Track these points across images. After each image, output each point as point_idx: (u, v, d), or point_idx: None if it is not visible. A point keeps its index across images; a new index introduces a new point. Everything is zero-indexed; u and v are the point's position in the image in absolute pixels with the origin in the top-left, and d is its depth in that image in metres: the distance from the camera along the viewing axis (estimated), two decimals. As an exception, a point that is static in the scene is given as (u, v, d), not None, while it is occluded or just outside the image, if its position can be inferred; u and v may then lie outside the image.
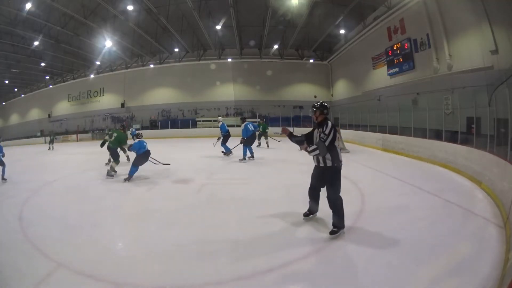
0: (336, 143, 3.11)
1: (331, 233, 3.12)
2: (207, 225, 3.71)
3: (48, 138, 17.60)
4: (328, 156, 3.08)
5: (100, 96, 26.87)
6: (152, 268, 2.66)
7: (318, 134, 3.14)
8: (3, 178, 6.85)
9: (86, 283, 2.42)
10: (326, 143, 3.01)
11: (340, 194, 3.25)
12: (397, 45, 13.52)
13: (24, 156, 13.46)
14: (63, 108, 28.77)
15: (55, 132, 21.85)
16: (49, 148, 16.29)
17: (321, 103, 3.28)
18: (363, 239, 3.15)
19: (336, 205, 3.16)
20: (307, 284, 2.44)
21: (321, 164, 3.18)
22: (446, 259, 2.70)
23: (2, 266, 2.69)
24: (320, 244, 3.03)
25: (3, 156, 6.95)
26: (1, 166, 6.86)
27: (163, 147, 13.95)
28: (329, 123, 3.11)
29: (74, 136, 24.35)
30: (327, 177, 3.19)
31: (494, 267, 2.46)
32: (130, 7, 14.77)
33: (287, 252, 2.88)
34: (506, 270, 2.29)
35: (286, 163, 8.46)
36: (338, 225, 3.15)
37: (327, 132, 3.04)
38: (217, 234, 3.42)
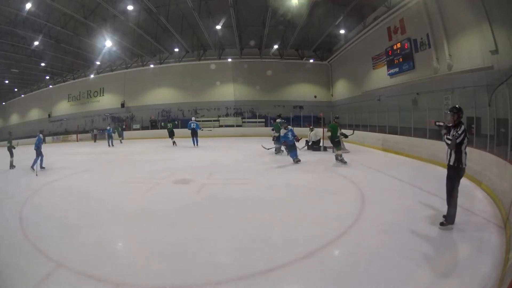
0: (463, 148, 3.42)
1: (440, 224, 3.40)
2: (207, 225, 3.71)
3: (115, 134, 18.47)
4: (453, 156, 3.43)
5: (100, 96, 26.85)
6: (152, 268, 2.66)
7: (453, 133, 3.52)
8: (41, 167, 8.45)
9: (86, 283, 2.42)
10: (457, 141, 3.40)
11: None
12: (397, 45, 13.51)
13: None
14: (63, 108, 28.76)
15: (118, 124, 22.07)
16: (121, 142, 17.98)
17: (459, 107, 3.65)
18: (363, 239, 3.15)
19: (449, 201, 3.41)
20: (306, 284, 2.44)
21: (448, 163, 3.52)
22: (446, 259, 2.70)
23: (2, 266, 2.69)
24: (320, 244, 3.03)
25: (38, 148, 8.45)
26: (39, 156, 8.36)
27: (163, 147, 13.95)
28: (463, 126, 3.48)
29: (74, 136, 24.34)
30: (448, 174, 3.50)
31: (494, 267, 2.46)
32: (130, 7, 14.75)
33: (287, 252, 2.88)
34: (506, 270, 2.29)
35: (287, 163, 8.46)
36: (446, 219, 3.39)
37: (460, 132, 3.42)
38: (217, 234, 3.42)
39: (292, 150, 8.23)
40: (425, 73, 11.99)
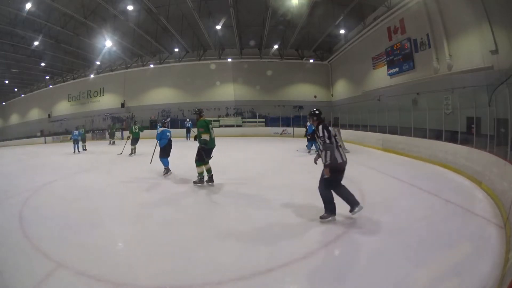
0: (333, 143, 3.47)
1: (320, 217, 3.63)
2: (207, 225, 3.71)
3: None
4: (328, 156, 3.44)
5: (100, 96, 26.85)
6: (152, 268, 2.66)
7: (318, 140, 3.61)
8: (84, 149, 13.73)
9: (86, 283, 2.42)
10: (327, 141, 3.44)
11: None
12: (397, 45, 13.51)
13: (44, 154, 13.48)
14: (63, 108, 28.76)
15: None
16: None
17: (312, 111, 3.80)
18: (363, 239, 3.15)
19: (322, 197, 3.63)
20: (307, 284, 2.44)
21: (325, 162, 3.50)
22: (446, 259, 2.70)
23: (2, 266, 2.69)
24: (320, 244, 3.03)
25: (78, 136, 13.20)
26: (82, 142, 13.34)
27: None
28: (320, 126, 3.55)
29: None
30: (322, 172, 3.57)
31: (494, 267, 2.46)
32: (130, 7, 14.76)
33: (287, 252, 2.88)
34: (506, 270, 2.29)
35: (286, 163, 8.47)
36: (325, 213, 3.64)
37: (320, 134, 3.49)
38: (217, 234, 3.41)
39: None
40: (425, 73, 11.99)
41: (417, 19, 11.94)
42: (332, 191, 3.59)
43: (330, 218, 3.59)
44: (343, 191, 3.59)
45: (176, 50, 22.75)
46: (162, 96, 24.88)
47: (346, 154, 3.76)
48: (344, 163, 3.56)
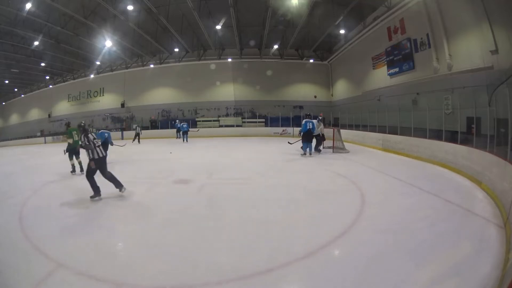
0: (90, 143, 4.77)
1: (90, 197, 4.83)
2: (207, 225, 3.71)
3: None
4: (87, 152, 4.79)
5: (100, 96, 26.85)
6: (152, 268, 2.65)
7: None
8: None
9: (86, 283, 2.42)
10: (86, 143, 4.79)
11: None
12: (397, 45, 13.52)
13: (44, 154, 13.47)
14: (63, 108, 28.76)
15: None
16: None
17: (79, 123, 5.24)
18: (363, 239, 3.15)
19: (89, 183, 4.83)
20: (306, 284, 2.44)
21: (92, 157, 4.81)
22: (446, 259, 2.70)
23: (2, 266, 2.69)
24: (320, 244, 3.03)
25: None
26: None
27: (163, 147, 13.97)
28: (83, 134, 4.86)
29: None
30: (88, 164, 4.86)
31: (494, 267, 2.46)
32: (130, 7, 14.74)
33: (287, 252, 2.88)
34: (506, 270, 2.29)
35: (286, 163, 8.46)
36: (94, 193, 4.85)
37: (82, 139, 4.86)
38: (217, 234, 3.42)
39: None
40: (425, 73, 11.99)
41: (417, 19, 11.94)
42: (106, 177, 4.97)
43: (97, 198, 4.77)
44: (92, 180, 4.81)
45: (176, 50, 22.75)
46: (162, 96, 24.88)
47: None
48: (100, 159, 4.82)
